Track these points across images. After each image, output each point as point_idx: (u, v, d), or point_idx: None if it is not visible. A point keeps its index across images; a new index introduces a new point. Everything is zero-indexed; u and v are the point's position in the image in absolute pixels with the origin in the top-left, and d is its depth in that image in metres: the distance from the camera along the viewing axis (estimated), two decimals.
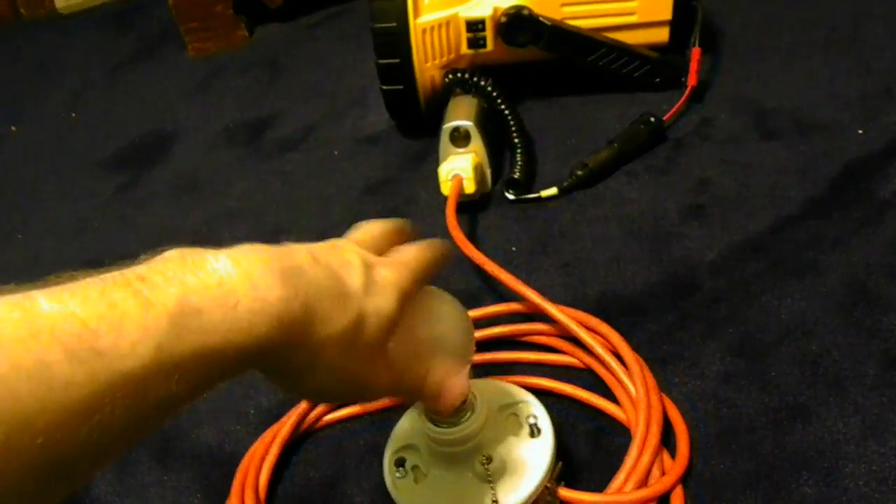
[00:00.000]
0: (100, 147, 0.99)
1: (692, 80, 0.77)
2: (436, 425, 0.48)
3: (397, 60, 0.76)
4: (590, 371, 0.57)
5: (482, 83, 0.76)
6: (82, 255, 0.82)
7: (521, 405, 0.52)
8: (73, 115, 1.08)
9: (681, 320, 0.59)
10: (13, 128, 1.09)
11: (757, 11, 0.87)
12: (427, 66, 0.77)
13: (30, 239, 0.87)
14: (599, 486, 0.50)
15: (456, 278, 0.67)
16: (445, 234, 0.66)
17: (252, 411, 0.61)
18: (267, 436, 0.58)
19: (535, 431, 0.50)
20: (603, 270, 0.64)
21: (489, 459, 0.47)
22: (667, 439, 0.52)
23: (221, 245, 0.33)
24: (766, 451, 0.51)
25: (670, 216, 0.67)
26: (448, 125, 0.72)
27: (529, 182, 0.74)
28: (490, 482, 0.47)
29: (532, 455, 0.49)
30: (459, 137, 0.72)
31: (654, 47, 0.80)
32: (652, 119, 0.74)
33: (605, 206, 0.70)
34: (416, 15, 0.75)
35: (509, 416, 0.51)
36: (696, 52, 0.78)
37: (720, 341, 0.57)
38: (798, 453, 0.50)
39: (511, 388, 0.53)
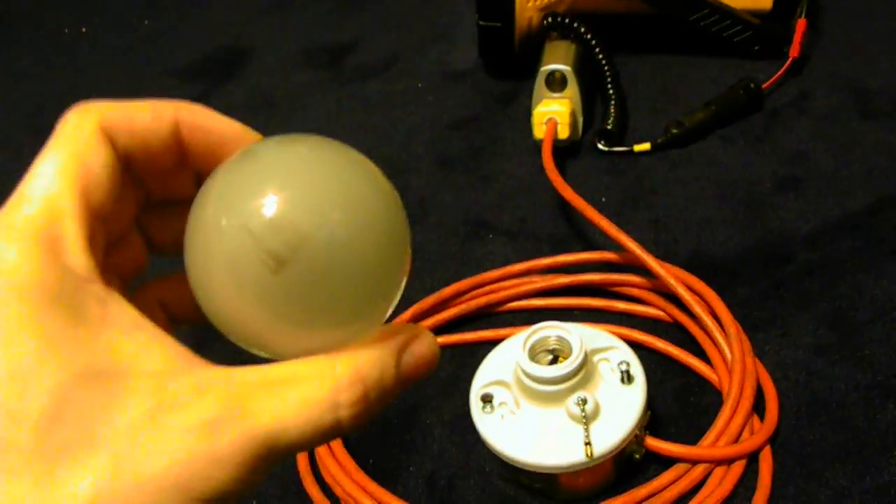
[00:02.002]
0: (173, 57, 0.98)
1: (794, 51, 0.75)
2: (536, 362, 0.48)
3: None
4: (679, 328, 0.56)
5: (582, 29, 0.74)
6: None
7: (612, 351, 0.51)
8: (146, 21, 1.07)
9: (773, 289, 0.58)
10: (84, 29, 1.07)
11: None
12: (528, 5, 0.75)
13: None
14: (684, 442, 0.50)
15: (541, 221, 0.66)
16: (540, 175, 0.65)
17: None
18: None
19: (625, 378, 0.50)
20: (694, 230, 0.63)
21: (585, 401, 0.47)
22: (756, 405, 0.51)
23: None
24: (857, 426, 0.50)
25: (765, 185, 0.66)
26: (545, 68, 0.71)
27: (621, 135, 0.73)
28: (585, 424, 0.47)
29: (623, 401, 0.49)
30: (555, 81, 0.71)
31: (757, 14, 0.78)
32: (752, 85, 0.73)
33: (698, 166, 0.69)
34: None
35: (600, 360, 0.51)
36: (801, 23, 0.76)
37: (813, 313, 0.56)
38: (890, 433, 0.50)
39: (602, 334, 0.53)
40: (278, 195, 0.23)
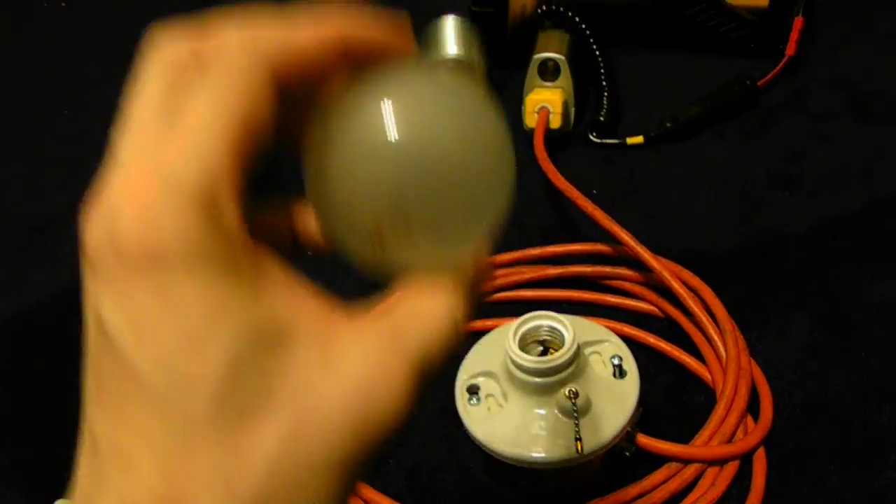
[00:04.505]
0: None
1: (791, 50, 0.74)
2: (526, 353, 0.46)
3: None
4: (671, 323, 0.55)
5: (577, 19, 0.72)
6: None
7: (605, 344, 0.50)
8: None
9: (767, 287, 0.57)
10: (63, 3, 1.04)
11: None
12: None
13: (75, 118, 0.84)
14: (676, 440, 0.48)
15: (530, 212, 0.65)
16: (531, 164, 0.63)
17: None
18: None
19: (618, 373, 0.48)
20: (687, 226, 0.62)
21: (576, 394, 0.45)
22: (749, 405, 0.50)
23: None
24: (852, 428, 0.49)
25: (760, 182, 0.65)
26: (539, 56, 0.69)
27: (614, 127, 0.71)
28: (575, 418, 0.45)
29: (616, 396, 0.47)
30: (548, 70, 0.69)
31: (753, 11, 0.77)
32: (747, 82, 0.72)
33: (691, 161, 0.67)
34: None
35: (592, 353, 0.49)
36: (798, 22, 0.75)
37: (808, 313, 0.55)
38: (886, 436, 0.48)
39: (594, 326, 0.51)
40: (411, 117, 0.24)
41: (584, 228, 0.62)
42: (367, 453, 0.23)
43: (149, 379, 0.22)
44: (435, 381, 0.25)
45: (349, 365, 0.23)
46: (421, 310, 0.25)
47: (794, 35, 0.74)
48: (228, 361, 0.22)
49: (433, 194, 0.25)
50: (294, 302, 0.24)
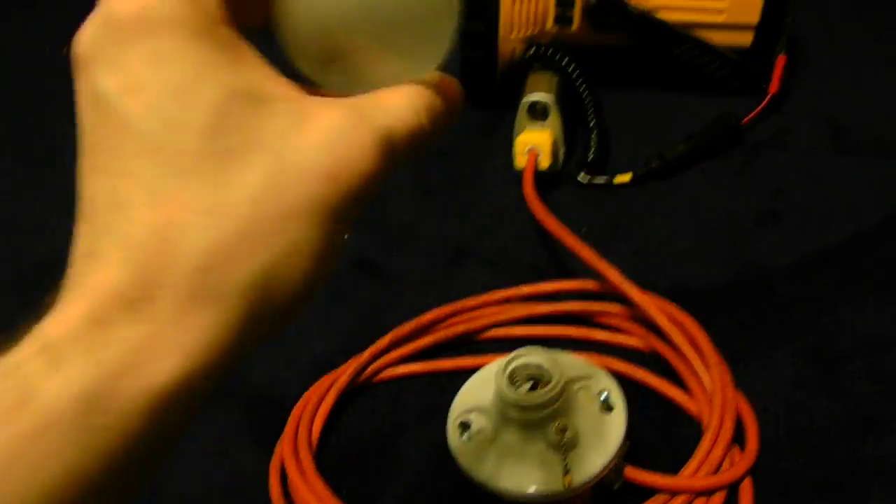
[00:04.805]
0: None
1: (774, 88, 0.76)
2: (516, 389, 0.47)
3: (483, 27, 0.74)
4: (659, 357, 0.56)
5: (564, 61, 0.74)
6: None
7: (592, 379, 0.51)
8: None
9: (753, 321, 0.58)
10: (65, 48, 1.07)
11: (845, 26, 0.86)
12: (511, 37, 0.75)
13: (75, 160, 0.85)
14: (663, 472, 0.49)
15: (522, 250, 0.66)
16: (522, 204, 0.65)
17: (306, 357, 0.60)
18: (323, 383, 0.57)
19: (605, 407, 0.49)
20: (675, 262, 0.63)
21: (565, 428, 0.46)
22: (735, 436, 0.51)
23: None
24: (837, 459, 0.50)
25: (745, 217, 0.66)
26: (528, 98, 0.71)
27: (602, 166, 0.73)
28: (563, 452, 0.46)
29: (603, 430, 0.48)
30: (537, 112, 0.71)
31: (735, 50, 0.79)
32: (731, 120, 0.73)
33: (678, 199, 0.69)
34: None
35: (581, 388, 0.50)
36: (781, 60, 0.77)
37: (793, 346, 0.56)
38: (870, 466, 0.49)
39: (581, 362, 0.52)
40: None
41: (575, 265, 0.63)
42: (343, 207, 0.26)
43: (142, 125, 0.25)
44: (402, 162, 0.28)
45: (320, 127, 0.26)
46: (384, 100, 0.28)
47: (778, 73, 0.76)
48: (214, 111, 0.25)
49: (384, 17, 0.28)
50: (269, 75, 0.27)
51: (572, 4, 0.75)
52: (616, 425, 0.48)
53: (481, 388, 0.51)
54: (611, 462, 0.47)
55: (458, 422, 0.50)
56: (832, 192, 0.68)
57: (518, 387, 0.48)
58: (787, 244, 0.64)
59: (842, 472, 0.49)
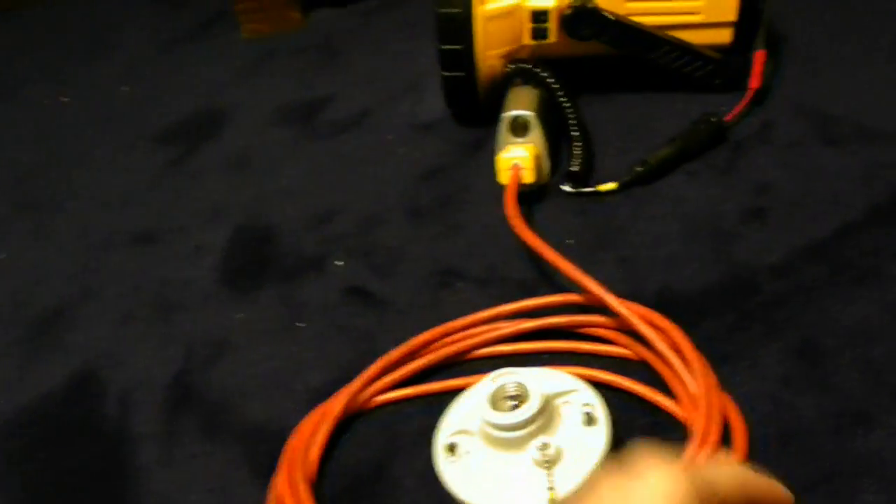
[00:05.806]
0: (151, 121, 0.99)
1: (755, 83, 0.76)
2: (499, 409, 0.48)
3: (460, 47, 0.75)
4: (646, 365, 0.56)
5: (544, 74, 0.75)
6: (130, 228, 0.82)
7: (574, 394, 0.51)
8: (125, 88, 1.08)
9: (740, 321, 0.58)
10: (64, 99, 1.09)
11: (823, 17, 0.86)
12: (489, 54, 0.76)
13: (79, 210, 0.87)
14: None
15: (511, 267, 0.67)
16: (503, 222, 0.65)
17: (301, 388, 0.61)
18: (317, 413, 0.57)
19: (589, 420, 0.50)
20: (661, 267, 0.64)
21: (547, 445, 0.47)
22: (724, 439, 0.51)
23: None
24: (827, 455, 0.50)
25: (730, 217, 0.67)
26: (508, 114, 0.72)
27: (587, 176, 0.73)
28: (546, 468, 0.47)
29: (586, 443, 0.49)
30: (519, 127, 0.72)
31: (716, 48, 0.79)
32: (713, 119, 0.73)
33: (664, 203, 0.69)
34: (481, 2, 0.74)
35: (564, 403, 0.51)
36: (760, 55, 0.77)
37: (781, 343, 0.56)
38: (860, 460, 0.49)
39: (564, 377, 0.53)
40: None
41: (561, 279, 0.64)
42: None
43: None
44: None
45: None
46: None
47: (758, 68, 0.77)
48: None
49: None
50: None
51: (547, 18, 0.75)
52: (599, 438, 0.49)
53: (466, 410, 0.52)
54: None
55: (444, 445, 0.51)
56: (818, 184, 0.68)
57: (500, 407, 0.49)
58: (772, 241, 0.64)
59: (832, 469, 0.49)
